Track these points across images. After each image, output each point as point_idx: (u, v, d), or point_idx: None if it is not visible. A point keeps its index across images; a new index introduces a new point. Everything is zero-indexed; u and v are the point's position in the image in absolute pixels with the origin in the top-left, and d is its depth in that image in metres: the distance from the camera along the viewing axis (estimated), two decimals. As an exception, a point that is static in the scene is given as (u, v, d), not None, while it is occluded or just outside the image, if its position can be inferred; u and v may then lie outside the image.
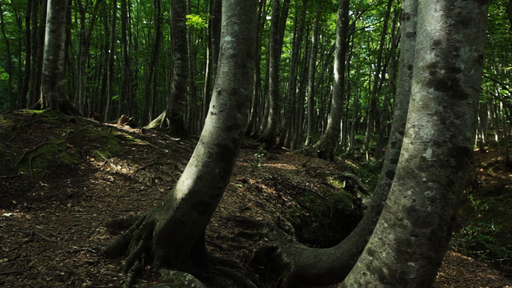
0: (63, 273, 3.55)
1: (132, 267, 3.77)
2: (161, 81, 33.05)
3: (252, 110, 20.59)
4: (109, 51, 20.77)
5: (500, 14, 22.50)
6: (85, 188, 6.26)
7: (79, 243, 4.22)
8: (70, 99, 27.24)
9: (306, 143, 20.61)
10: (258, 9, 22.52)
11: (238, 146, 4.07)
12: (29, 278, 3.43)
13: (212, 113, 4.01)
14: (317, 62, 33.52)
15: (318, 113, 37.86)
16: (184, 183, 3.97)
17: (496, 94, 23.08)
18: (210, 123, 3.99)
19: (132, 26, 34.93)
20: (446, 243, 2.45)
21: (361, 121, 51.13)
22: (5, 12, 29.25)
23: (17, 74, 28.72)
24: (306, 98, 29.16)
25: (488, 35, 23.72)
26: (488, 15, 23.57)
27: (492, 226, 13.12)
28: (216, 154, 3.90)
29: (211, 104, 4.08)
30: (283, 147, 18.82)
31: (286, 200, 7.55)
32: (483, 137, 33.09)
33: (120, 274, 3.69)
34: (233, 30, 4.06)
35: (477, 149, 31.16)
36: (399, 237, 2.48)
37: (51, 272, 3.56)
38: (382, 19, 26.84)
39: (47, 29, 8.85)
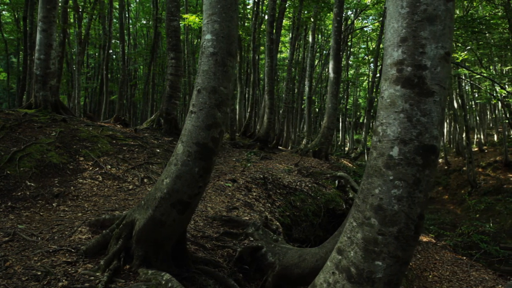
0: (39, 273, 3.53)
1: (110, 267, 3.75)
2: (160, 81, 33.04)
3: (249, 110, 20.58)
4: (105, 50, 20.76)
5: (499, 13, 22.41)
6: (72, 187, 6.24)
7: (59, 243, 4.21)
8: (68, 99, 27.27)
9: (304, 142, 20.60)
10: (255, 8, 22.48)
11: (218, 145, 4.05)
12: (4, 278, 3.41)
13: (191, 112, 3.99)
14: (316, 62, 33.53)
15: (317, 112, 37.84)
16: (163, 182, 3.95)
17: (495, 94, 23.01)
18: (189, 122, 3.97)
19: (131, 26, 34.96)
20: (413, 242, 2.43)
21: (361, 121, 51.06)
22: (3, 12, 29.29)
23: (16, 74, 28.73)
24: (304, 97, 29.10)
25: (487, 35, 23.67)
26: (487, 14, 23.52)
27: (488, 226, 13.09)
28: (195, 153, 3.88)
29: (191, 103, 4.06)
30: (280, 147, 18.80)
31: (276, 199, 7.52)
32: (482, 137, 33.02)
33: (97, 274, 3.67)
34: (213, 28, 4.04)
35: (476, 149, 31.10)
36: (367, 236, 2.46)
37: (28, 272, 3.54)
38: (381, 18, 26.79)
39: (38, 28, 8.84)
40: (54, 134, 7.72)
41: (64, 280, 3.49)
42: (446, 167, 32.42)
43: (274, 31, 17.34)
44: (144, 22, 34.28)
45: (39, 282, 3.41)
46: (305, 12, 21.92)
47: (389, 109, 2.43)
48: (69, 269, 3.70)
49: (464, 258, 11.45)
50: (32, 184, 6.03)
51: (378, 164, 2.46)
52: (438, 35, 2.32)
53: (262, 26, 24.85)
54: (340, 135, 38.68)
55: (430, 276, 9.63)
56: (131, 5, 35.51)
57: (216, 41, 4.01)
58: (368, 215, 2.47)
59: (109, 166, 7.35)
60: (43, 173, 6.46)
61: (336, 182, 9.40)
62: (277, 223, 6.43)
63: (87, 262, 3.90)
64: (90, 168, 7.12)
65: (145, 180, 7.19)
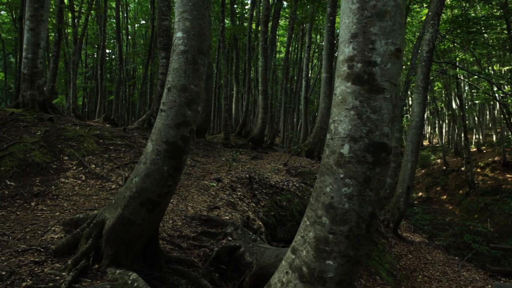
0: (4, 273, 3.50)
1: (77, 266, 3.71)
2: (158, 81, 32.95)
3: (244, 110, 20.55)
4: (100, 50, 20.79)
5: (496, 13, 22.29)
6: (53, 187, 6.22)
7: (30, 242, 4.18)
8: (66, 98, 27.30)
9: (300, 142, 20.56)
10: (252, 9, 22.45)
11: (188, 144, 4.01)
12: (-33, 277, 3.38)
13: (161, 110, 3.96)
14: (315, 62, 33.49)
15: (315, 112, 37.78)
16: (133, 181, 3.92)
17: (493, 94, 22.93)
18: (159, 120, 3.94)
19: (129, 26, 34.98)
20: (365, 241, 2.39)
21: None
22: (1, 12, 29.33)
23: (14, 74, 28.75)
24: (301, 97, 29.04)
25: (486, 35, 23.59)
26: (485, 14, 23.40)
27: (481, 226, 13.00)
28: (164, 151, 3.85)
29: (161, 101, 4.03)
30: (274, 147, 18.76)
31: (261, 199, 7.48)
32: (480, 137, 32.94)
33: (63, 274, 3.64)
34: (184, 26, 4.00)
35: (474, 149, 31.01)
36: (318, 235, 2.42)
37: (-8, 271, 3.51)
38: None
39: (25, 27, 8.83)
40: (39, 133, 7.69)
41: (28, 280, 3.46)
42: (444, 167, 32.34)
43: (269, 30, 17.32)
44: (143, 22, 34.28)
45: (2, 282, 3.38)
46: (302, 11, 21.87)
47: (341, 106, 2.39)
48: (36, 269, 3.67)
49: (456, 258, 11.41)
50: (12, 184, 6.01)
51: (329, 162, 2.42)
52: (388, 31, 2.28)
53: (259, 27, 24.85)
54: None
55: (420, 276, 9.57)
56: (130, 5, 35.57)
57: (187, 39, 3.97)
58: (320, 213, 2.43)
59: (94, 166, 7.33)
60: (24, 173, 6.43)
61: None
62: (260, 223, 6.39)
63: (56, 261, 3.87)
64: (74, 168, 7.09)
65: (129, 180, 7.14)
